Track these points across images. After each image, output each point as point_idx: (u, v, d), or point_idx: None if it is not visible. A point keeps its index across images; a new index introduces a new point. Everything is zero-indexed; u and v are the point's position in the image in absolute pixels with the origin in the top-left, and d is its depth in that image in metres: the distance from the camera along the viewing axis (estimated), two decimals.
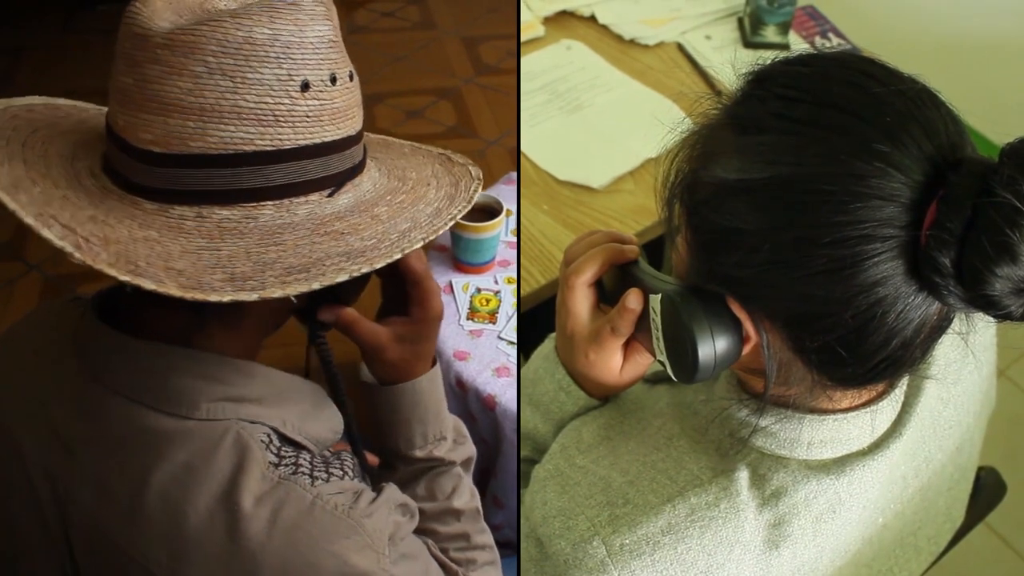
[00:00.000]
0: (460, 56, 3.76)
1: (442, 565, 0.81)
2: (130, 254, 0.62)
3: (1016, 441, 1.85)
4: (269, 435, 0.71)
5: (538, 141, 1.50)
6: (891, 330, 0.59)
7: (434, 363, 0.87)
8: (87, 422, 0.71)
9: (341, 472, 0.73)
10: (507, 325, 1.48)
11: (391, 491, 0.75)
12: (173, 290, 0.60)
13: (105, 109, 0.78)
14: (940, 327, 0.63)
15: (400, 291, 0.81)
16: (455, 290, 1.54)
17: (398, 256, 0.68)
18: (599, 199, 1.41)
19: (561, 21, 1.74)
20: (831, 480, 0.71)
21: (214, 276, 0.62)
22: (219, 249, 0.64)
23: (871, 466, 0.72)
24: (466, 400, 1.40)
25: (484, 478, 1.48)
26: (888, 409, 0.73)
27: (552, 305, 0.86)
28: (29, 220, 0.62)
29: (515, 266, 1.60)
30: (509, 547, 0.97)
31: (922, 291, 0.58)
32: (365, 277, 0.73)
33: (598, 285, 0.83)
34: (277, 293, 0.61)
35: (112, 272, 0.60)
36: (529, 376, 0.88)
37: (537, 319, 1.16)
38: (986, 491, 1.05)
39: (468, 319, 1.49)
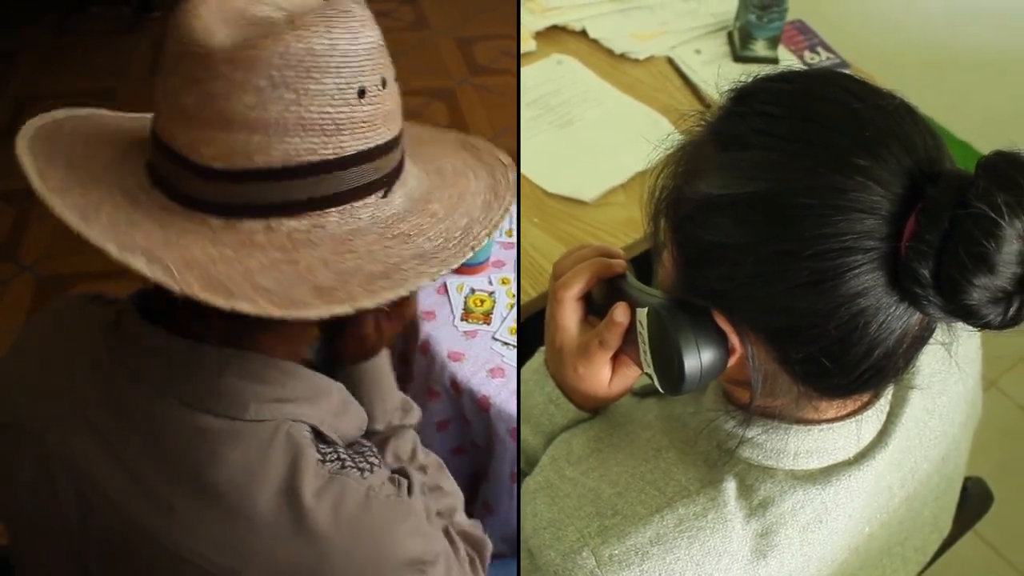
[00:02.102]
0: (454, 56, 3.77)
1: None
2: (215, 275, 0.62)
3: (1007, 452, 1.86)
4: (310, 432, 0.72)
5: (530, 155, 1.51)
6: (873, 340, 0.60)
7: None
8: (131, 426, 0.71)
9: (377, 460, 0.75)
10: (502, 326, 1.48)
11: (413, 473, 0.77)
12: (271, 310, 0.60)
13: (118, 114, 0.79)
14: (922, 337, 0.64)
15: None
16: (449, 291, 1.54)
17: (469, 255, 0.70)
18: (590, 212, 1.42)
19: (552, 36, 1.75)
20: (817, 490, 0.72)
21: (301, 290, 0.62)
22: (296, 262, 0.65)
23: (857, 476, 0.72)
24: (460, 401, 1.40)
25: (475, 482, 1.47)
26: (873, 419, 0.73)
27: (543, 318, 0.87)
28: (112, 250, 0.62)
29: (509, 266, 1.60)
30: (497, 558, 0.98)
31: (903, 302, 0.59)
32: None
33: (586, 299, 0.84)
34: (368, 303, 0.62)
35: (208, 298, 0.60)
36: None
37: (528, 332, 1.16)
38: (973, 501, 1.06)
39: (462, 320, 1.49)
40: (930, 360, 0.78)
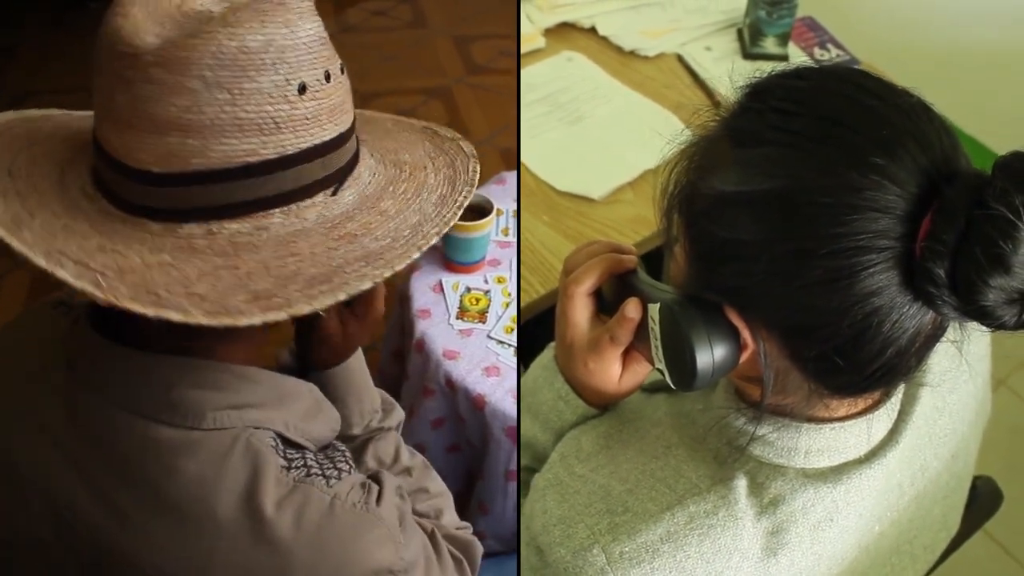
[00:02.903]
0: (451, 55, 3.76)
1: (420, 527, 0.81)
2: (148, 283, 0.61)
3: (1017, 451, 1.85)
4: (275, 439, 0.71)
5: (538, 152, 1.51)
6: (886, 339, 0.60)
7: None
8: (90, 438, 0.70)
9: (347, 466, 0.74)
10: (497, 324, 1.48)
11: (388, 478, 0.76)
12: (200, 318, 0.59)
13: (71, 112, 0.77)
14: (935, 336, 0.64)
15: None
16: (445, 289, 1.54)
17: (416, 255, 0.67)
18: (599, 210, 1.41)
19: (562, 33, 1.75)
20: (828, 488, 0.71)
21: (237, 297, 0.61)
22: (237, 267, 0.63)
23: (868, 474, 0.72)
24: (455, 400, 1.40)
25: (470, 481, 1.48)
26: (884, 418, 0.73)
27: (552, 315, 0.87)
28: (40, 261, 0.60)
29: (505, 265, 1.60)
30: (491, 556, 0.97)
31: (917, 301, 0.59)
32: None
33: (597, 295, 0.83)
34: (305, 309, 0.61)
35: (135, 307, 0.58)
36: (528, 385, 0.89)
37: (537, 329, 1.16)
38: (982, 500, 1.05)
39: (458, 318, 1.49)
40: (941, 358, 0.78)
